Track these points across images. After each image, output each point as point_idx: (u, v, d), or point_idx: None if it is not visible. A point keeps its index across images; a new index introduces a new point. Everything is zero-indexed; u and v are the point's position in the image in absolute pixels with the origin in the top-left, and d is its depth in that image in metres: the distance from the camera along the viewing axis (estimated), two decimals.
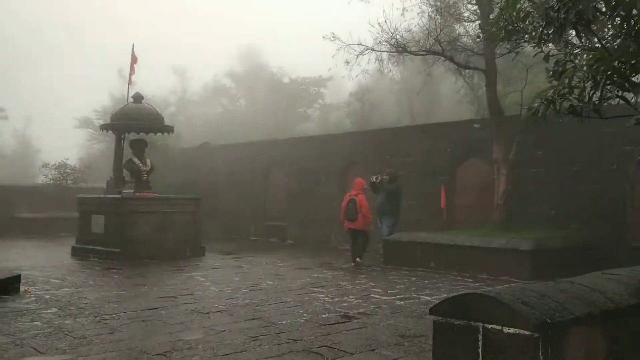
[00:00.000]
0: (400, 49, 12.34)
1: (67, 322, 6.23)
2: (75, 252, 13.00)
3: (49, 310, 6.83)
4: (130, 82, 14.90)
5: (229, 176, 19.28)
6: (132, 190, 13.03)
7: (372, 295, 8.12)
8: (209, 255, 13.09)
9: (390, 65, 14.13)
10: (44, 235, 18.28)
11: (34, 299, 7.58)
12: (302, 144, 18.05)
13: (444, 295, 7.86)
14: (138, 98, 13.95)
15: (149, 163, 13.60)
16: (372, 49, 12.48)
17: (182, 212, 13.09)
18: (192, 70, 41.51)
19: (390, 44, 12.31)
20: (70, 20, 68.10)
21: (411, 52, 12.49)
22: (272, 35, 57.11)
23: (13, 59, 43.56)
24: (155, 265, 11.23)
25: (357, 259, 11.62)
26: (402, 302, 7.54)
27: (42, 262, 11.65)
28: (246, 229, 18.64)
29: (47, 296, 7.79)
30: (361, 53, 12.46)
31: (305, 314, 6.67)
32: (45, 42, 60.66)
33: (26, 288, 8.24)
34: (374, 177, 12.39)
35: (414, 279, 9.78)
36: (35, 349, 5.11)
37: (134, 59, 14.67)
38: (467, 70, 13.87)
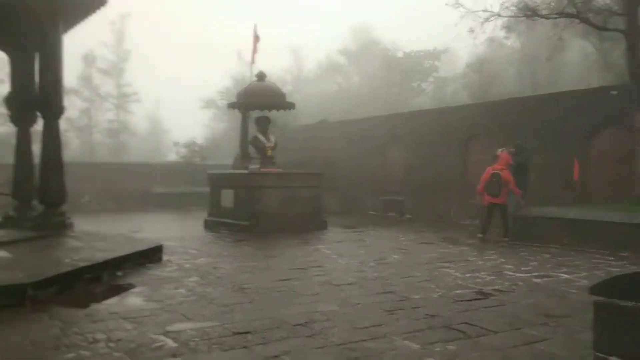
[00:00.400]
0: (529, 12, 11.62)
1: (208, 290, 6.52)
2: (207, 225, 13.70)
3: (190, 279, 7.17)
4: (253, 61, 15.35)
5: (346, 151, 19.43)
6: (257, 166, 13.41)
7: (505, 272, 7.81)
8: (331, 229, 13.28)
9: (516, 32, 13.36)
10: (177, 209, 19.50)
11: (175, 268, 7.99)
12: (421, 117, 17.71)
13: (584, 274, 7.44)
14: (261, 76, 14.32)
15: (272, 140, 13.97)
16: (499, 15, 11.87)
17: (306, 187, 13.35)
18: (307, 49, 42.03)
19: (519, 8, 11.64)
20: (194, 7, 71.51)
21: (542, 16, 11.72)
22: (385, 10, 56.22)
23: (144, 45, 46.43)
24: (282, 238, 11.57)
25: (505, 238, 11.24)
26: (539, 280, 7.18)
27: (179, 234, 12.35)
28: (364, 203, 18.74)
29: (187, 265, 8.22)
30: (486, 19, 11.89)
31: (437, 289, 6.56)
32: (169, 24, 64.06)
33: (168, 258, 8.82)
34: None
35: (548, 255, 9.31)
36: (183, 315, 5.33)
37: (256, 39, 15.06)
38: (600, 34, 12.80)
